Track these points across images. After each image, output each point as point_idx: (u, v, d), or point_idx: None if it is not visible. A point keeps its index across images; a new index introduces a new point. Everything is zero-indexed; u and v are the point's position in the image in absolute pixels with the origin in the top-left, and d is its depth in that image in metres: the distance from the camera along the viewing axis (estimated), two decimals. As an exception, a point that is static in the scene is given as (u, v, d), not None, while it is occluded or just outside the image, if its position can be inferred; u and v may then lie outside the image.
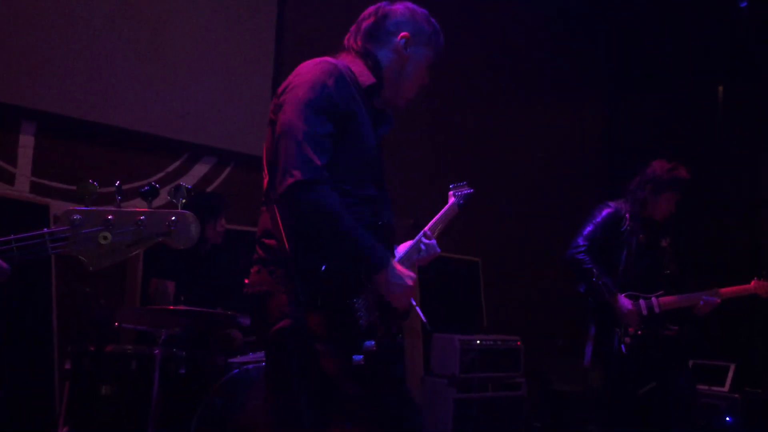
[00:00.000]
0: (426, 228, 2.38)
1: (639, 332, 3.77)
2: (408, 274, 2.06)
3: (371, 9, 2.32)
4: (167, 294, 3.73)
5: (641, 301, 3.82)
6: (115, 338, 3.72)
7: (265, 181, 2.06)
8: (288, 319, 1.97)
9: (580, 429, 5.47)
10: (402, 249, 2.33)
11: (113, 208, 1.40)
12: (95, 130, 4.31)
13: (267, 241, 2.08)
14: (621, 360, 3.77)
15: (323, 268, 1.92)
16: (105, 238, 1.39)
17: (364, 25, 2.29)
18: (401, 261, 2.27)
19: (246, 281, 2.14)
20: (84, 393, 3.24)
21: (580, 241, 3.83)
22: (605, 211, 3.93)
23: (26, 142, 4.10)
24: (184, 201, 1.49)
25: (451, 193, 2.61)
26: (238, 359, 3.58)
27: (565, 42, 7.19)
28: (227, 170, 4.92)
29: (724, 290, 3.88)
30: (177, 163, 4.69)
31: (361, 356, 1.94)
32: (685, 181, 3.89)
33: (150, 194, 1.46)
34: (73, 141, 4.27)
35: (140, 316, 3.45)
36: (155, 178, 4.56)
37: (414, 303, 2.27)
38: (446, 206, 2.55)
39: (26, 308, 3.74)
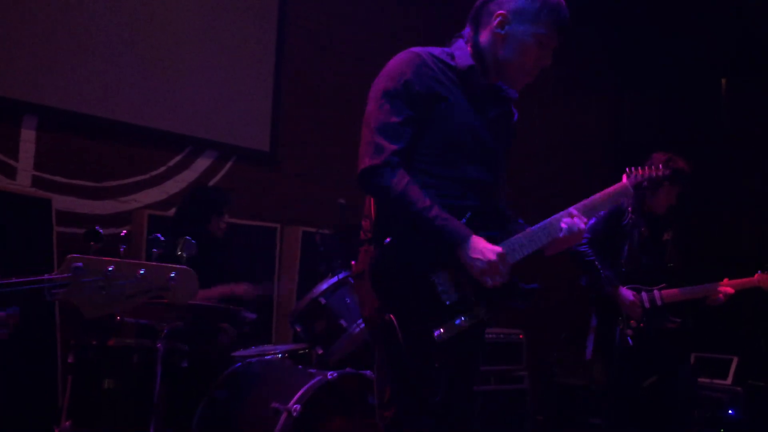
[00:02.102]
0: (573, 207, 2.22)
1: (641, 325, 3.77)
2: (491, 248, 1.99)
3: None
4: None
5: (643, 294, 3.82)
6: (117, 332, 3.73)
7: None
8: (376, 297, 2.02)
9: (583, 422, 5.47)
10: (531, 228, 2.17)
11: (115, 260, 1.41)
12: (97, 125, 4.31)
13: (364, 223, 2.16)
14: (623, 352, 3.77)
15: (386, 241, 1.97)
16: (103, 288, 1.39)
17: (473, 8, 2.25)
18: (518, 240, 2.12)
19: (353, 263, 2.23)
20: (86, 387, 3.24)
21: (582, 234, 3.82)
22: (607, 205, 3.92)
23: (28, 137, 4.10)
24: (186, 256, 1.49)
25: (625, 175, 2.43)
26: (241, 352, 3.58)
27: (569, 37, 7.15)
28: (229, 164, 4.91)
29: (727, 282, 3.88)
30: (179, 157, 4.69)
31: (441, 330, 1.93)
32: (682, 172, 3.87)
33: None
34: (75, 135, 4.26)
35: (142, 310, 3.45)
36: (157, 172, 4.57)
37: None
38: (614, 186, 2.34)
39: (28, 302, 3.74)
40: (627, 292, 3.77)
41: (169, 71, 4.61)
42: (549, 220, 2.18)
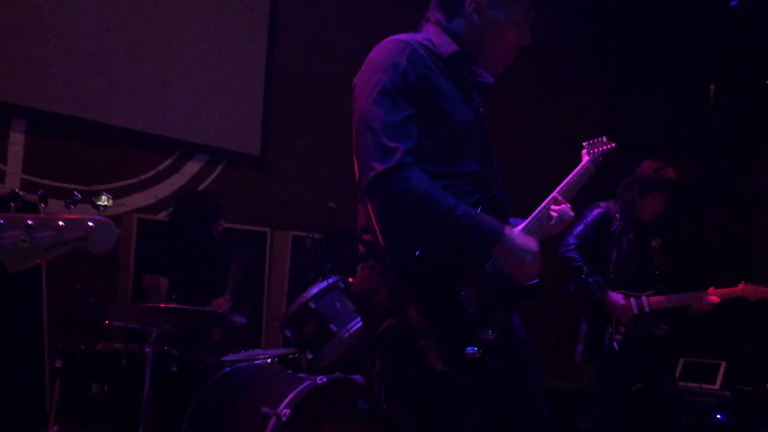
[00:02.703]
0: (555, 192, 2.17)
1: (630, 330, 3.79)
2: (527, 249, 1.91)
3: None
4: (160, 290, 3.73)
5: (632, 300, 3.83)
6: (105, 336, 3.71)
7: (357, 176, 1.94)
8: (392, 317, 1.86)
9: (574, 426, 5.48)
10: (526, 220, 2.11)
11: (34, 215, 1.51)
12: (86, 128, 4.30)
13: (365, 237, 1.98)
14: (612, 357, 3.79)
15: (417, 253, 1.78)
16: (24, 241, 1.48)
17: None
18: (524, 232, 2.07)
19: (350, 280, 2.08)
20: (74, 391, 3.22)
21: (570, 240, 3.84)
22: (596, 211, 3.95)
23: (17, 140, 4.08)
24: (104, 208, 1.62)
25: (584, 151, 2.42)
26: (230, 357, 3.57)
27: (562, 42, 7.19)
28: (219, 168, 4.91)
29: (713, 291, 3.92)
30: (169, 161, 4.68)
31: (476, 348, 1.79)
32: (672, 181, 3.91)
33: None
34: (64, 138, 4.25)
35: (131, 314, 3.44)
36: (147, 175, 4.55)
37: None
38: (579, 166, 2.33)
39: (16, 306, 3.73)
40: (617, 296, 3.79)
41: (159, 74, 4.60)
42: (540, 210, 2.13)
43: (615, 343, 3.77)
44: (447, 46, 2.01)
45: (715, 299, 3.88)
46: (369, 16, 5.61)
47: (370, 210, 1.92)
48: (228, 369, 3.36)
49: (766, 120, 6.32)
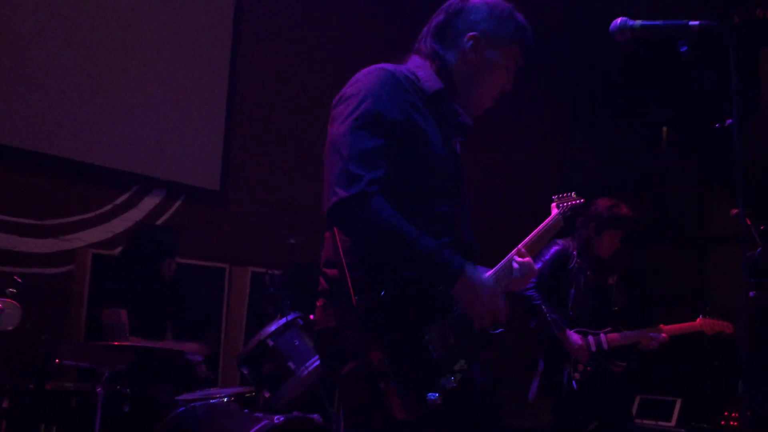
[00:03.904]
0: (521, 245, 2.12)
1: (588, 368, 3.82)
2: (487, 284, 1.84)
3: (446, 4, 2.08)
4: (122, 323, 3.64)
5: (590, 338, 3.87)
6: (56, 375, 3.60)
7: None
8: (356, 359, 1.78)
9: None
10: (490, 271, 2.02)
11: None
12: (42, 162, 4.22)
13: (329, 271, 1.89)
14: (570, 396, 3.81)
15: (382, 293, 1.72)
16: None
17: (434, 22, 2.07)
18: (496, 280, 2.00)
19: (311, 317, 2.01)
20: (21, 433, 3.12)
21: (529, 278, 3.87)
22: (553, 249, 3.99)
23: (-32, 173, 4.00)
24: (13, 291, 2.00)
25: (554, 204, 2.42)
26: (185, 396, 3.50)
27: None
28: (177, 203, 4.85)
29: (670, 327, 3.98)
30: (126, 196, 4.61)
31: (437, 394, 1.72)
32: (626, 218, 3.97)
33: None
34: (17, 171, 4.16)
35: (83, 352, 3.35)
36: (103, 210, 4.48)
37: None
38: (548, 218, 2.33)
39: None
40: (575, 336, 3.82)
41: (117, 108, 4.56)
42: (504, 261, 2.09)
43: (574, 382, 3.79)
44: (432, 82, 1.97)
45: (663, 336, 3.94)
46: (330, 52, 5.66)
47: (338, 241, 1.85)
48: (182, 409, 3.28)
49: (715, 163, 6.51)
